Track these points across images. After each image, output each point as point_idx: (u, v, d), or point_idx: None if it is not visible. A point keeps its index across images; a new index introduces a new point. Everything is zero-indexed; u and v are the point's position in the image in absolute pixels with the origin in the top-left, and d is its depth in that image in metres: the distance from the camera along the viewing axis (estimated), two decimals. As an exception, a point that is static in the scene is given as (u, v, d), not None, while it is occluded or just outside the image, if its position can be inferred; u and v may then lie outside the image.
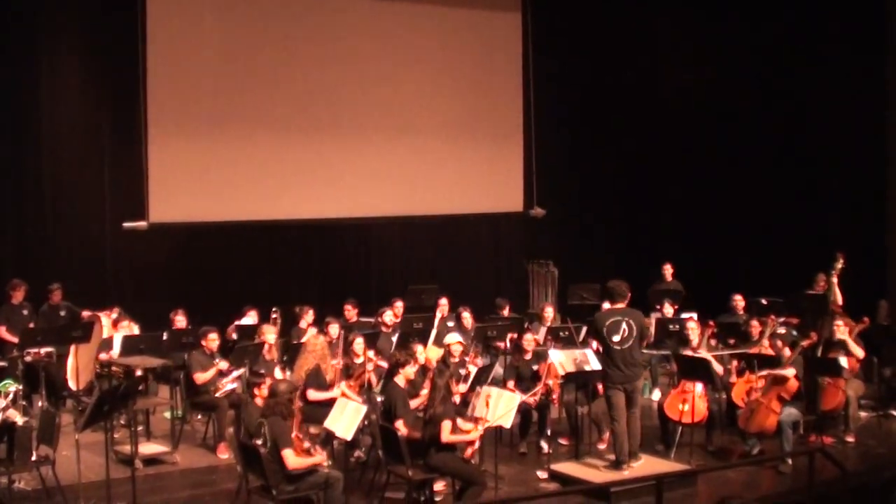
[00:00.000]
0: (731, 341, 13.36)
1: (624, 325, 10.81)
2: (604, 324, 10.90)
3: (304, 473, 9.16)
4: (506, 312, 15.45)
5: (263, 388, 10.01)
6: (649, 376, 14.20)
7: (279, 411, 9.26)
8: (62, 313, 14.12)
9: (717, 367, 12.01)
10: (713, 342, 13.03)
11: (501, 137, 19.20)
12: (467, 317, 14.67)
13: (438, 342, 13.32)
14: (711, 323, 13.10)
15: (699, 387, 11.68)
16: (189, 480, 11.02)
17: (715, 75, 18.71)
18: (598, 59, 19.14)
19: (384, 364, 12.04)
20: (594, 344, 12.34)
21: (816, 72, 17.33)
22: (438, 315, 14.86)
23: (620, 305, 11.06)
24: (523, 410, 11.79)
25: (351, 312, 14.64)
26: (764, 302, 14.57)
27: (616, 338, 10.80)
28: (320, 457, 9.37)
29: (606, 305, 12.14)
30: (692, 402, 11.56)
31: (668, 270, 16.72)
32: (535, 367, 12.24)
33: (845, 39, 17.00)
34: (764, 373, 11.65)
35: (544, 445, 12.00)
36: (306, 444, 9.37)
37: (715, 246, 18.45)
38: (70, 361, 13.10)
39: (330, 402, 10.71)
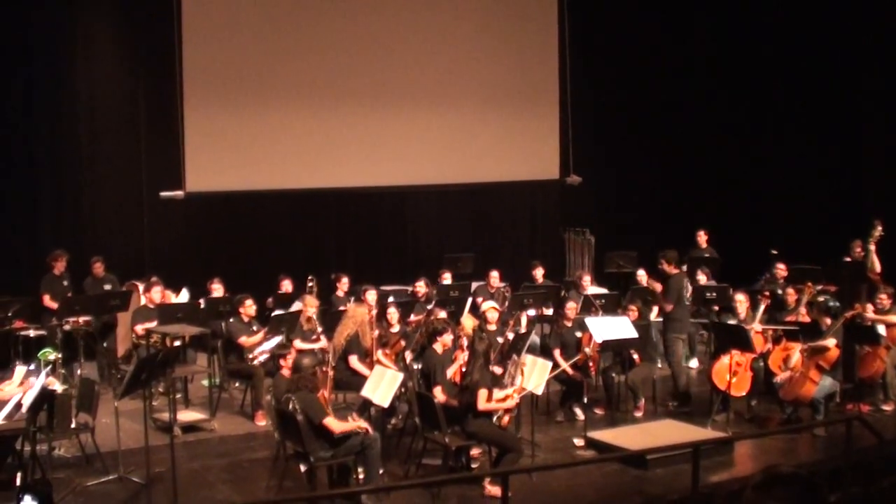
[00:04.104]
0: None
1: (688, 285, 12.77)
2: (682, 284, 12.54)
3: (342, 439, 9.21)
4: (539, 275, 15.39)
5: (290, 358, 10.08)
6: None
7: (305, 385, 9.31)
8: (107, 286, 13.93)
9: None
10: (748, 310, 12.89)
11: (538, 105, 19.06)
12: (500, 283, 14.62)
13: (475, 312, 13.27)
14: (767, 293, 12.97)
15: (744, 358, 11.72)
16: (227, 447, 11.11)
17: (753, 40, 18.50)
18: (636, 24, 18.94)
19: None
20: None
21: (854, 37, 17.08)
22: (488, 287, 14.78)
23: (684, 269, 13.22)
24: (566, 379, 11.82)
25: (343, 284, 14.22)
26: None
27: (687, 294, 12.56)
28: (362, 423, 9.43)
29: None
30: (741, 374, 11.64)
31: (702, 237, 16.46)
32: (578, 335, 12.24)
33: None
34: (806, 346, 11.60)
35: (580, 413, 11.99)
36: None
37: (751, 212, 18.32)
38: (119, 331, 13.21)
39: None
